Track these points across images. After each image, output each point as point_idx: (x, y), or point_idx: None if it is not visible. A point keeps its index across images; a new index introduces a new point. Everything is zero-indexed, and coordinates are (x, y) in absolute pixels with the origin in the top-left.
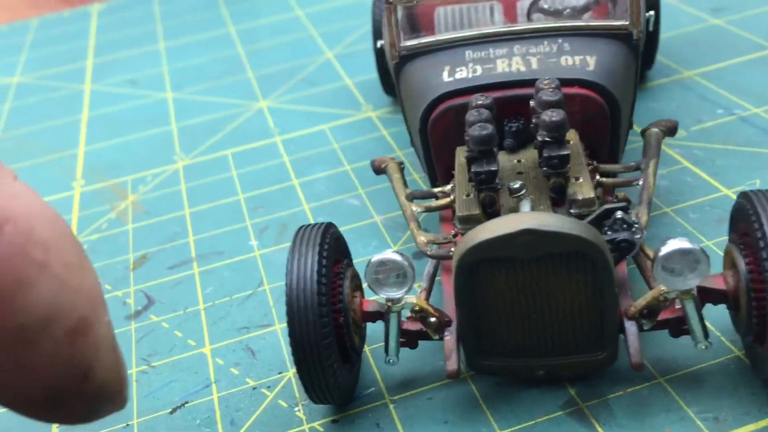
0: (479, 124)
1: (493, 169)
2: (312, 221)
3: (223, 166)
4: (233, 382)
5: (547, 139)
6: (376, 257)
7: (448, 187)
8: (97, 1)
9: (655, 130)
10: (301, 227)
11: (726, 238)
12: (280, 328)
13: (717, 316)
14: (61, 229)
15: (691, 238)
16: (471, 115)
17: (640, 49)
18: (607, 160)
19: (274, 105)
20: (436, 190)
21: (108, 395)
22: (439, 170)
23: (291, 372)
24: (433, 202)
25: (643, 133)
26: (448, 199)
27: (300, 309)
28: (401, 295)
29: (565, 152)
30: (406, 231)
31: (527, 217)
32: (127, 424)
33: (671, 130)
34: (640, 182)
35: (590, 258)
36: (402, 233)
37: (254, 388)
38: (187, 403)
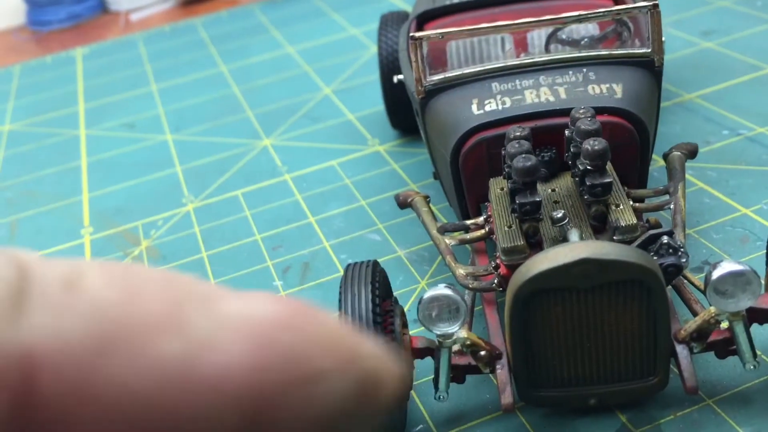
0: (523, 156)
1: (537, 200)
2: (335, 259)
3: (235, 206)
4: None
5: (589, 167)
6: (428, 293)
7: (481, 218)
8: (79, 45)
9: (677, 153)
10: (349, 265)
11: (752, 256)
12: None
13: (756, 335)
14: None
15: (716, 258)
16: (512, 147)
17: (662, 76)
18: (636, 186)
19: (278, 143)
20: (468, 222)
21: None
22: (470, 202)
23: None
24: (468, 235)
25: (665, 157)
26: (483, 231)
27: None
28: (454, 330)
29: (608, 180)
30: (432, 263)
31: (584, 246)
32: None
33: (692, 153)
34: (671, 206)
35: (646, 285)
36: (428, 266)
37: None
38: None
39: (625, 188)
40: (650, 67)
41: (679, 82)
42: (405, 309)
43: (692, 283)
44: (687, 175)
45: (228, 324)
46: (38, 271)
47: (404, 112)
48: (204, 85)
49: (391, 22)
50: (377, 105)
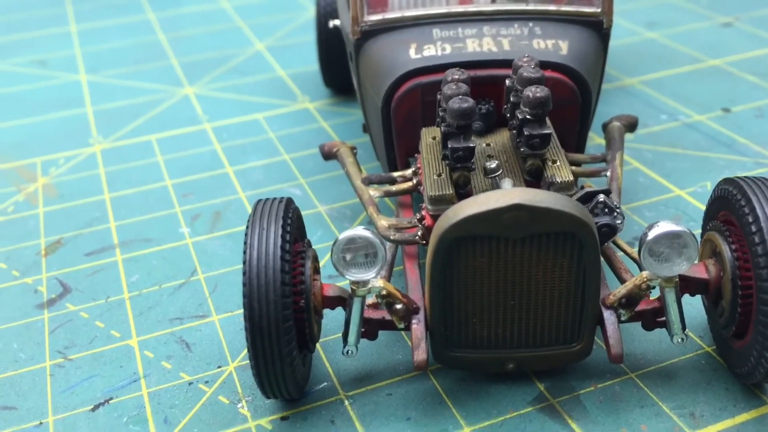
0: (459, 97)
1: (471, 145)
2: (249, 209)
3: (146, 151)
4: (166, 376)
5: (528, 116)
6: (344, 234)
7: (409, 171)
8: None
9: (616, 124)
10: (259, 201)
11: (696, 232)
12: (217, 318)
13: (685, 312)
14: None
15: None
16: (449, 89)
17: (609, 38)
18: (573, 151)
19: (201, 92)
20: (395, 174)
21: None
22: (399, 153)
23: (232, 366)
24: (393, 187)
25: (604, 127)
26: (410, 183)
27: (261, 287)
28: (370, 276)
29: (547, 131)
30: (353, 221)
31: (518, 192)
32: (41, 422)
33: (632, 126)
34: (608, 173)
35: (579, 239)
36: (349, 223)
37: (190, 383)
38: (111, 399)
39: (563, 150)
40: (598, 29)
41: (621, 67)
42: (321, 264)
43: (623, 251)
44: (624, 155)
45: None
46: None
47: (339, 68)
48: (128, 30)
49: None
50: (311, 65)
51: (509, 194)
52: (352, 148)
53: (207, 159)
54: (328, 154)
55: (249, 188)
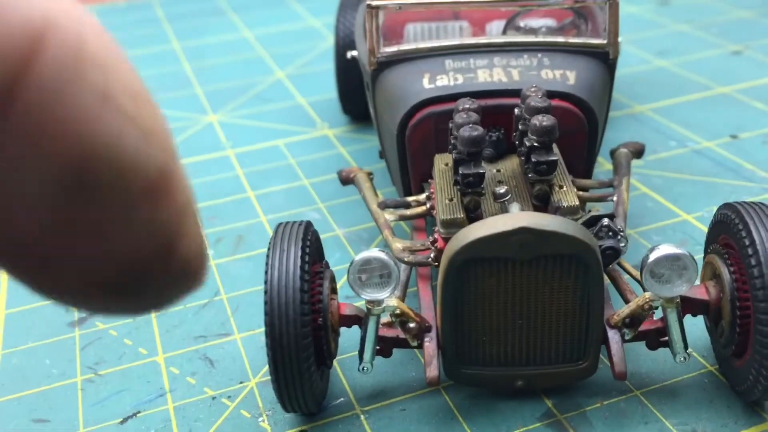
0: (469, 126)
1: (481, 171)
2: (270, 233)
3: None
4: (190, 391)
5: (536, 144)
6: (360, 255)
7: (423, 196)
8: None
9: (624, 150)
10: (280, 224)
11: (699, 256)
12: (239, 337)
13: (688, 332)
14: (114, 46)
15: None
16: (459, 117)
17: (615, 69)
18: (581, 176)
19: (224, 119)
20: (410, 199)
21: (192, 273)
22: (414, 178)
23: (253, 382)
24: (408, 211)
25: (612, 153)
26: (423, 207)
27: (281, 306)
28: (384, 296)
29: (554, 158)
30: (370, 244)
31: (524, 216)
32: None
33: (638, 152)
34: (614, 198)
35: (583, 261)
36: (366, 246)
37: (213, 398)
38: (139, 412)
39: (570, 176)
40: (605, 59)
41: (631, 95)
42: (338, 285)
43: (629, 273)
44: (632, 180)
45: None
46: None
47: (356, 96)
48: (154, 59)
49: (350, 3)
50: (330, 92)
51: (516, 218)
52: (369, 174)
53: (230, 184)
54: (346, 180)
55: (270, 212)
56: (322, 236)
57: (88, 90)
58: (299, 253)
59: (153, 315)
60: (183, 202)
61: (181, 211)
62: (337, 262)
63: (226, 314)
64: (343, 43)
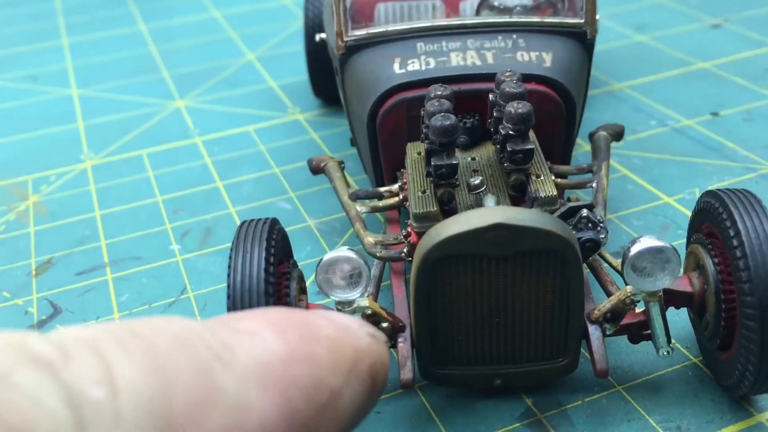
0: (441, 114)
1: (454, 162)
2: None
3: (137, 166)
4: None
5: (511, 132)
6: (328, 255)
7: (395, 186)
8: None
9: (603, 133)
10: (244, 222)
11: (673, 243)
12: None
13: (671, 322)
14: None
15: None
16: (431, 105)
17: (593, 48)
18: (559, 162)
19: (192, 105)
20: (382, 189)
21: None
22: (386, 167)
23: None
24: (380, 202)
25: (591, 136)
26: (396, 198)
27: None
28: (355, 297)
29: (530, 146)
30: (343, 235)
31: (499, 211)
32: None
33: (618, 135)
34: (594, 184)
35: (561, 256)
36: (338, 238)
37: None
38: None
39: (548, 163)
40: (582, 39)
41: (610, 71)
42: (308, 282)
43: (610, 264)
44: (612, 162)
45: (251, 377)
46: (81, 394)
47: (328, 79)
48: (120, 42)
49: None
50: (302, 74)
51: (490, 213)
52: (340, 163)
53: (197, 173)
54: (316, 169)
55: (239, 203)
56: (293, 228)
57: None
58: (263, 254)
59: (116, 316)
60: None
61: None
62: (308, 255)
63: (194, 313)
64: (313, 24)
